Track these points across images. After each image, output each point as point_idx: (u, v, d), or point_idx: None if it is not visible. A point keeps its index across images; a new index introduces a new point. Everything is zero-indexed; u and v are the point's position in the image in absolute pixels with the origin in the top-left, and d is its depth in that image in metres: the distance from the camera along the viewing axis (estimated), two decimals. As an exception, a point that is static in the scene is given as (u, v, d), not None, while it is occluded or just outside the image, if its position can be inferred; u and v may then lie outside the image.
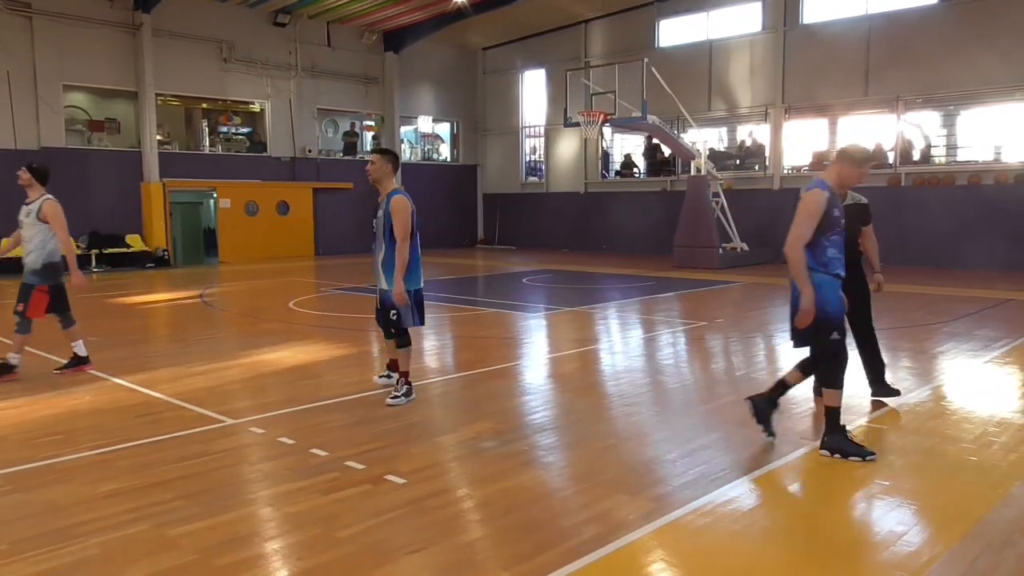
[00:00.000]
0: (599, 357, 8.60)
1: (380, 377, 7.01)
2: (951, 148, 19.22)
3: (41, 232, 7.24)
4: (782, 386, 5.18)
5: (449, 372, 7.77)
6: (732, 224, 19.61)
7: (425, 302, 6.43)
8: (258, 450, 5.16)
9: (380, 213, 6.26)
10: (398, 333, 6.36)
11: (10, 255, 8.27)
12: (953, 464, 4.81)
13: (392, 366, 6.71)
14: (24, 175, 7.30)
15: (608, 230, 24.68)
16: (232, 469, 4.78)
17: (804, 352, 5.14)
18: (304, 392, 6.72)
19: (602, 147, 25.39)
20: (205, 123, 22.54)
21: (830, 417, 4.92)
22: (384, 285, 6.30)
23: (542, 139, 27.19)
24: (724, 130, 23.39)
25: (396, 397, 6.27)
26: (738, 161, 22.38)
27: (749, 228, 20.34)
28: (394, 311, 6.23)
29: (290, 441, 5.26)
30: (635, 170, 25.14)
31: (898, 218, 18.68)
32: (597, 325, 10.96)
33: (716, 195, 19.35)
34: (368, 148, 26.43)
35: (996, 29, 17.59)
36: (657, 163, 24.17)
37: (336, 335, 9.61)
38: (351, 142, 25.48)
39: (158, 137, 20.66)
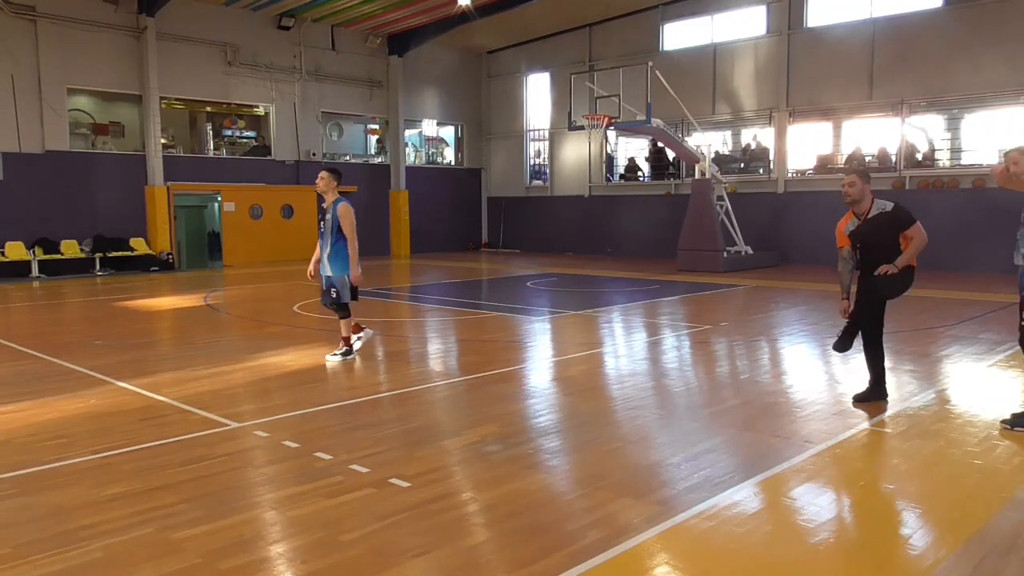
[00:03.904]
0: (603, 361, 8.59)
1: (333, 355, 8.14)
2: (955, 151, 19.18)
3: None
4: None
5: (453, 375, 7.77)
6: (736, 228, 19.60)
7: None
8: (262, 453, 5.16)
9: (328, 217, 7.90)
10: (340, 308, 8.05)
11: None
12: (958, 467, 4.80)
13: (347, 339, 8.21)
14: None
15: (612, 233, 24.68)
16: (236, 472, 4.79)
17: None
18: (308, 395, 6.73)
19: (606, 151, 25.38)
20: (209, 127, 22.57)
21: None
22: (329, 272, 7.95)
23: (546, 143, 27.19)
24: (728, 133, 23.39)
25: (335, 355, 8.12)
26: (742, 164, 22.36)
27: (753, 232, 20.35)
28: (334, 289, 7.92)
29: (294, 445, 5.27)
30: (639, 174, 25.13)
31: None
32: (601, 329, 10.95)
33: (720, 198, 19.33)
34: (373, 151, 26.54)
35: (1000, 32, 17.56)
36: (661, 167, 24.17)
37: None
38: None
39: (162, 140, 20.70)
